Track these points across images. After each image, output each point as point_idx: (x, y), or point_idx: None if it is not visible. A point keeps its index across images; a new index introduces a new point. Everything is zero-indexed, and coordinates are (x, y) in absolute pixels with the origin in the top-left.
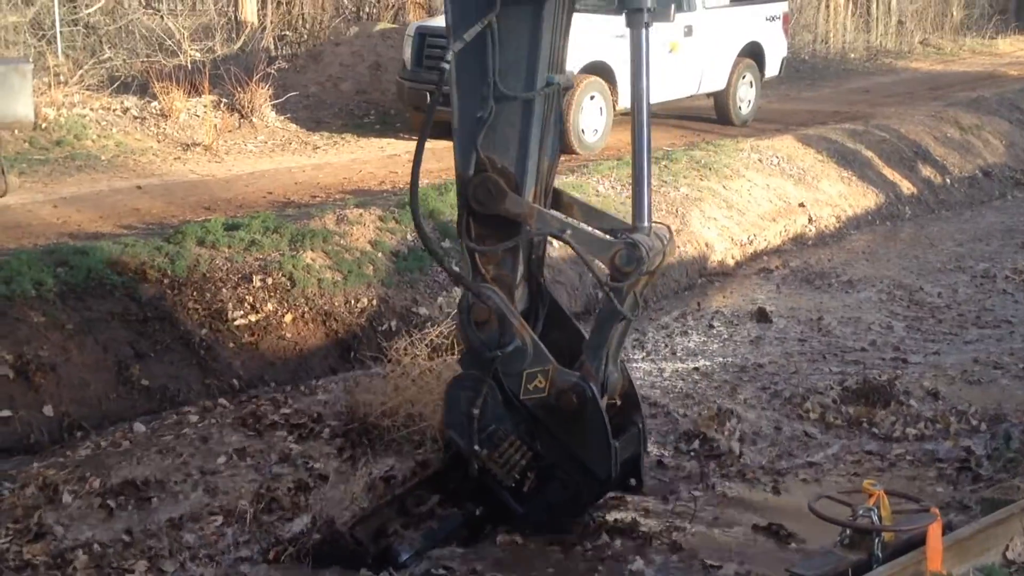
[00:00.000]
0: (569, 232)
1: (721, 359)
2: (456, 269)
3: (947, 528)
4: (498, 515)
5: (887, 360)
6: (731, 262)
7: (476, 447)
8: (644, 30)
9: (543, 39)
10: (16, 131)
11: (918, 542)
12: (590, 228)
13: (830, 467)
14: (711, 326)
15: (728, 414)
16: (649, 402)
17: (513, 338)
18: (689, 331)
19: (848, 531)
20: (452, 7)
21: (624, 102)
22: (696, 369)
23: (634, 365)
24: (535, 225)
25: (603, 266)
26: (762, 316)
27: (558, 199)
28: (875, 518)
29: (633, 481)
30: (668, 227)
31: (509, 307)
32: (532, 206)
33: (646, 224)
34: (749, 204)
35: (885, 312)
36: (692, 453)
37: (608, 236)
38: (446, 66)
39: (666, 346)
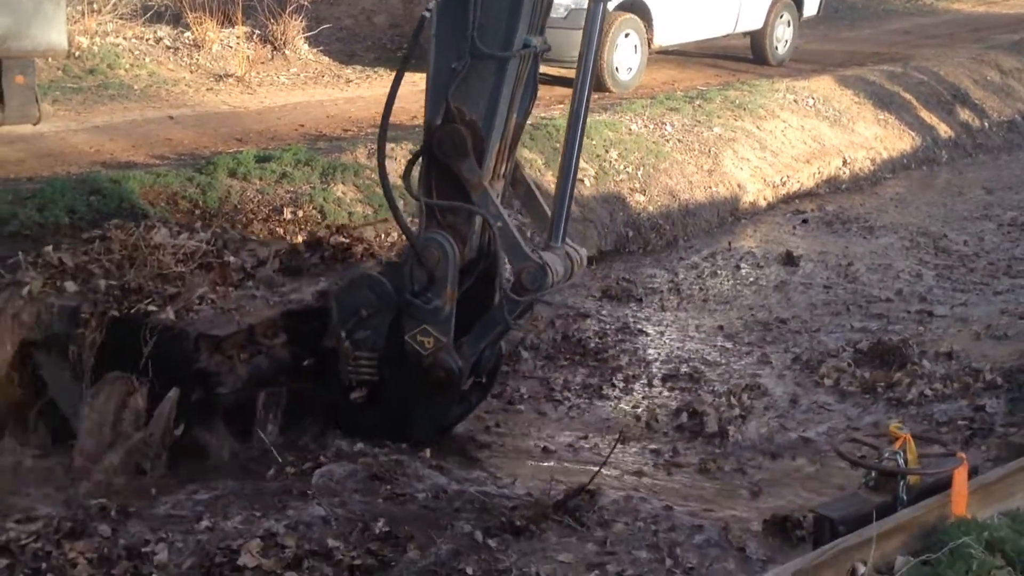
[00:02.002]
0: (499, 225)
1: (749, 312)
2: (406, 220)
3: (972, 473)
4: (319, 385)
5: (912, 313)
6: (763, 203)
7: (343, 332)
8: (601, 3)
9: (526, 1)
10: (49, 59)
11: (943, 486)
12: (517, 234)
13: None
14: (738, 267)
15: (745, 390)
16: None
17: (438, 298)
18: (719, 272)
19: (873, 473)
20: None
21: (660, 40)
22: (721, 328)
23: (667, 316)
24: (476, 199)
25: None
26: (789, 259)
27: (514, 171)
28: (901, 461)
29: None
30: (582, 252)
31: (454, 272)
32: (482, 182)
33: (559, 245)
34: (783, 145)
35: (914, 260)
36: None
37: (527, 248)
38: (427, 14)
39: (699, 290)
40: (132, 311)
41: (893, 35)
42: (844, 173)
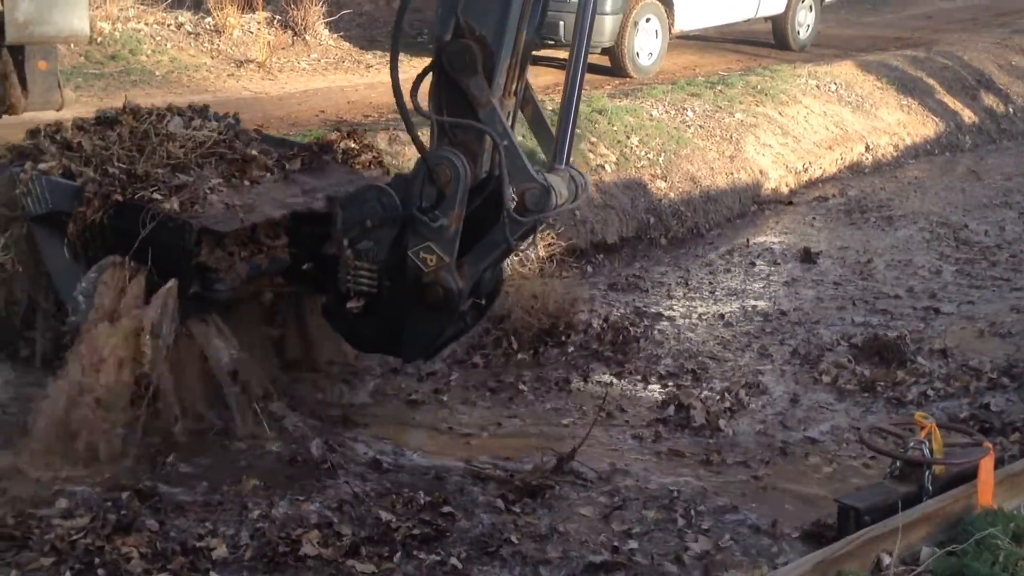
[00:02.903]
0: (505, 144)
1: (752, 302)
2: (419, 135)
3: (999, 463)
4: (313, 288)
5: (918, 310)
6: (785, 190)
7: (345, 241)
8: None
9: None
10: (72, 45)
11: (969, 475)
12: (523, 153)
13: (833, 447)
14: (753, 264)
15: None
16: (671, 354)
17: (445, 216)
18: (733, 268)
19: (898, 463)
20: None
21: (681, 25)
22: (722, 317)
23: (673, 304)
24: (483, 117)
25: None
26: (807, 256)
27: (525, 90)
28: (926, 450)
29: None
30: (587, 177)
31: (464, 192)
32: (490, 99)
33: (563, 167)
34: (805, 131)
35: (935, 254)
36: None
37: (532, 169)
38: None
39: (709, 284)
40: (136, 197)
41: (915, 20)
42: (867, 159)
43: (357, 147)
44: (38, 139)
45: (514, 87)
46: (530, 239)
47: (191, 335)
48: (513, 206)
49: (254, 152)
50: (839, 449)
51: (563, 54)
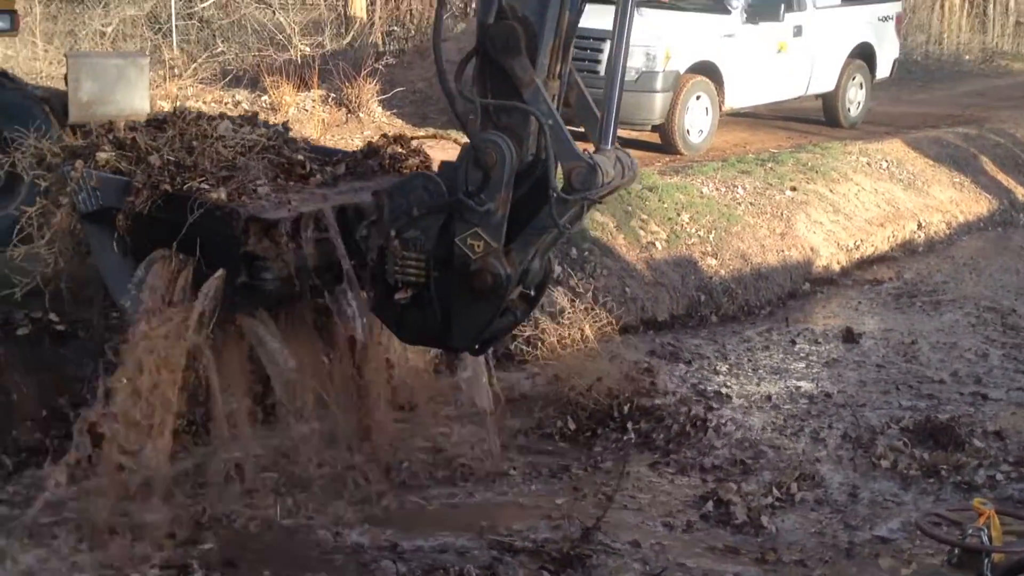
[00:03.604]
0: (550, 123)
1: (797, 383)
2: (463, 110)
3: None
4: (364, 284)
5: (964, 395)
6: (837, 267)
7: (392, 231)
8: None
9: None
10: None
11: None
12: (568, 133)
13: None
14: (798, 343)
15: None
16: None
17: (491, 200)
18: (780, 347)
19: (956, 551)
20: None
21: (731, 102)
22: (769, 399)
23: (720, 385)
24: (527, 97)
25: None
26: (848, 336)
27: (569, 74)
28: (985, 538)
29: (477, 348)
30: (631, 156)
31: (510, 175)
32: (534, 79)
33: (609, 148)
34: (856, 209)
35: (981, 338)
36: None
37: (577, 148)
38: None
39: (756, 364)
40: (184, 187)
41: (967, 97)
42: (919, 236)
43: (404, 152)
44: (90, 139)
45: (558, 69)
46: (578, 222)
47: (240, 333)
48: (559, 186)
49: (300, 156)
50: (914, 547)
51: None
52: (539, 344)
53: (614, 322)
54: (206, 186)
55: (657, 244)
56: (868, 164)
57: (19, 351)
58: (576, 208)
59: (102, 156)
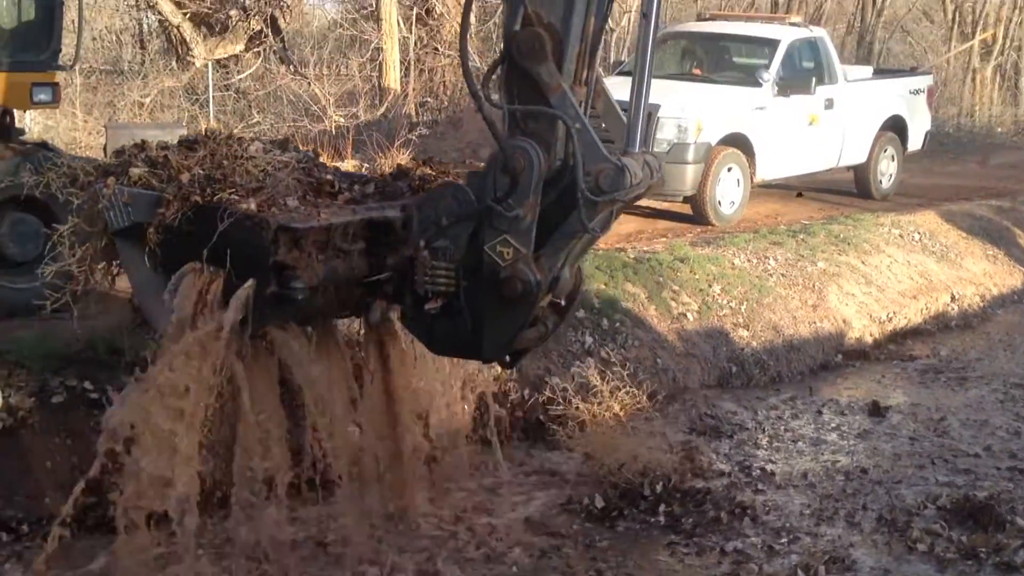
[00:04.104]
0: (578, 126)
1: (830, 457)
2: (495, 123)
3: None
4: (392, 298)
5: (1001, 470)
6: (869, 339)
7: (422, 242)
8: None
9: None
10: None
11: None
12: (596, 136)
13: None
14: (828, 415)
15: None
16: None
17: (519, 206)
18: (810, 419)
19: None
20: None
21: (762, 174)
22: (804, 476)
23: (750, 458)
24: (554, 102)
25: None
26: (875, 410)
27: (596, 81)
28: None
29: (508, 360)
30: (657, 158)
31: (538, 180)
32: (561, 84)
33: (637, 150)
34: (889, 281)
35: (1011, 415)
36: None
37: (605, 151)
38: None
39: (787, 436)
40: (214, 199)
41: (1000, 169)
42: (952, 309)
43: (434, 173)
44: (123, 157)
45: (584, 76)
46: (607, 227)
47: (270, 347)
48: (587, 187)
49: (330, 176)
50: None
51: (645, 202)
52: (571, 419)
53: (646, 394)
54: (236, 197)
55: (689, 315)
56: (900, 236)
57: (53, 418)
58: (605, 211)
59: (135, 172)
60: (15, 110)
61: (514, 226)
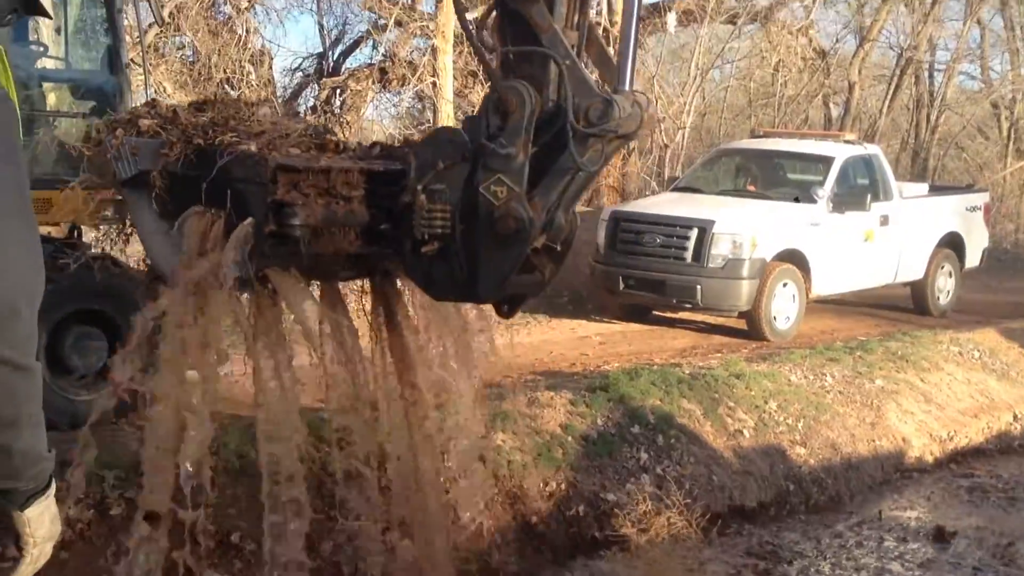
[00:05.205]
0: (568, 63)
1: None
2: (492, 64)
3: None
4: (389, 245)
5: None
6: (929, 459)
7: (419, 187)
8: None
9: None
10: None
11: None
12: (586, 73)
13: None
14: (887, 541)
15: None
16: None
17: (512, 144)
18: (868, 544)
19: None
20: None
21: (818, 289)
22: None
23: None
24: (545, 42)
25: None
26: (939, 535)
27: (589, 30)
28: None
29: (505, 308)
30: (647, 97)
31: (530, 120)
32: (551, 24)
33: (627, 88)
34: (949, 399)
35: None
36: None
37: (594, 85)
38: None
39: (836, 559)
40: (216, 141)
41: None
42: (1015, 428)
43: None
44: (132, 113)
45: (576, 20)
46: (600, 162)
47: (273, 290)
48: (576, 122)
49: (335, 139)
50: None
51: (700, 317)
52: (625, 537)
53: (702, 512)
54: (237, 139)
55: (744, 432)
56: (960, 353)
57: (111, 532)
58: (596, 147)
59: (143, 123)
60: (82, 226)
61: (507, 165)
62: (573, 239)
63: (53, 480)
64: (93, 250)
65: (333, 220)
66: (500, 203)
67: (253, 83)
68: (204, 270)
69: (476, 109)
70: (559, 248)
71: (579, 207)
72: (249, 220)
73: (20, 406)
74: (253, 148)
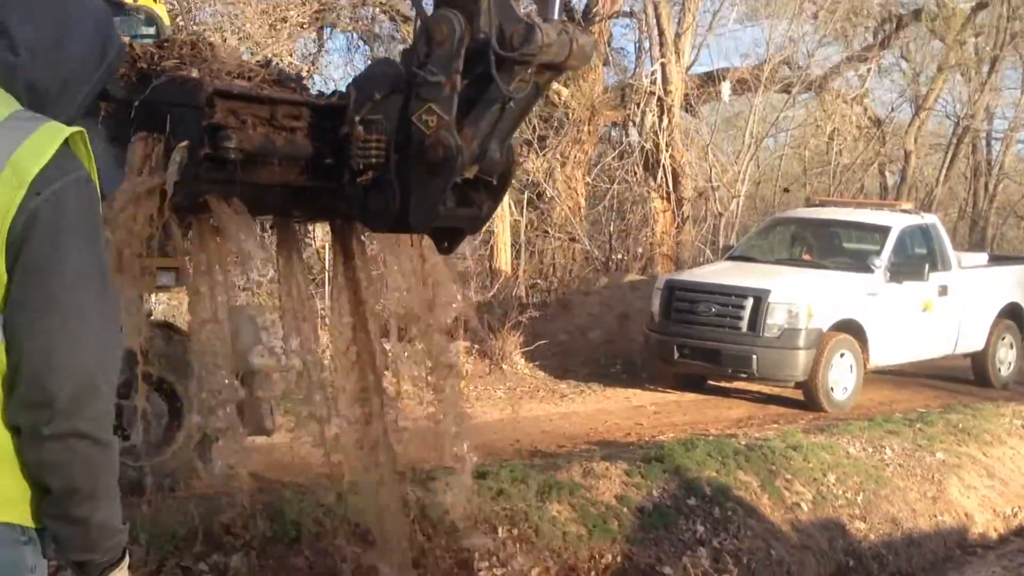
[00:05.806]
0: None
1: None
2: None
3: None
4: (330, 180)
5: None
6: (993, 534)
7: (357, 118)
8: None
9: None
10: (284, 372)
11: None
12: (512, 1)
13: None
14: None
15: None
16: None
17: (441, 72)
18: None
19: None
20: None
21: (876, 360)
22: None
23: None
24: None
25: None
26: None
27: None
28: None
29: (445, 244)
30: (590, 38)
31: (459, 48)
32: None
33: (554, 16)
34: (1012, 474)
35: None
36: None
37: (519, 11)
38: None
39: None
40: (160, 67)
41: None
42: None
43: None
44: None
45: None
46: (531, 93)
47: (212, 215)
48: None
49: (293, 84)
50: None
51: (756, 387)
52: None
53: None
54: (180, 65)
55: (803, 505)
56: (1023, 427)
57: None
58: (523, 75)
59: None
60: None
61: (437, 93)
62: (511, 175)
63: (127, 553)
64: (152, 317)
65: (271, 150)
66: (430, 132)
67: None
68: (142, 188)
69: None
70: (496, 183)
71: (633, 276)
72: (185, 143)
73: (98, 479)
74: (195, 74)
